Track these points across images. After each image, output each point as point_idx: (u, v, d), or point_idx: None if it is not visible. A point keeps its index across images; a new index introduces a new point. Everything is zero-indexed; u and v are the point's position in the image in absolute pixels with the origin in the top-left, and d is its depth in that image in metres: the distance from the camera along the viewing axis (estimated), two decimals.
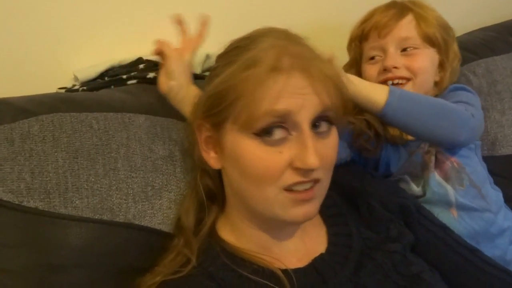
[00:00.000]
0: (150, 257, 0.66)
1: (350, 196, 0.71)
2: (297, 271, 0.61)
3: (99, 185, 0.67)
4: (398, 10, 0.87)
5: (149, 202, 0.70)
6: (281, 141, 0.57)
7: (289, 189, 0.58)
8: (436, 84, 0.89)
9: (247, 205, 0.63)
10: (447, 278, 0.68)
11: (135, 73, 0.85)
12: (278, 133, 0.57)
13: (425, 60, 0.86)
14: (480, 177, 0.84)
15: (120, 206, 0.68)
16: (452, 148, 0.82)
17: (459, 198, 0.81)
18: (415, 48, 0.86)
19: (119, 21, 0.91)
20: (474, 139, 0.83)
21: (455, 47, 0.90)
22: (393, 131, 0.86)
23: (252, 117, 0.56)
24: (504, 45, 1.04)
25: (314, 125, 0.58)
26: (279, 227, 0.64)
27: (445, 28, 0.89)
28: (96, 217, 0.66)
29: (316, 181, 0.59)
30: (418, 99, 0.76)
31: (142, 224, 0.69)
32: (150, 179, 0.71)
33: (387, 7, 0.89)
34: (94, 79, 0.87)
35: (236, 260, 0.62)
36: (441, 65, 0.89)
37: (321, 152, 0.57)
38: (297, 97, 0.56)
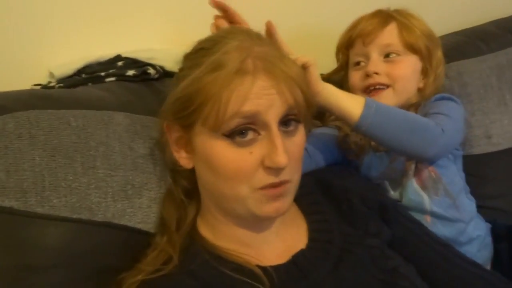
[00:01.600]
0: (129, 256, 0.66)
1: (331, 193, 0.72)
2: (277, 268, 0.62)
3: (77, 184, 0.66)
4: (382, 19, 0.90)
5: (129, 201, 0.70)
6: (251, 141, 0.58)
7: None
8: (419, 90, 0.91)
9: (220, 203, 0.63)
10: (421, 271, 0.70)
11: (114, 70, 0.84)
12: (247, 134, 0.58)
13: (406, 67, 0.89)
14: (456, 188, 0.87)
15: (99, 205, 0.67)
16: (422, 161, 0.84)
17: (433, 207, 0.84)
18: (397, 54, 0.88)
19: (97, 17, 0.89)
20: (443, 154, 0.84)
21: (439, 54, 0.93)
22: None
23: (221, 120, 0.57)
24: (474, 49, 1.08)
25: (284, 123, 0.60)
26: (254, 224, 0.64)
27: (429, 36, 0.91)
28: (74, 217, 0.65)
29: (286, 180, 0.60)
30: (392, 113, 0.77)
31: (122, 223, 0.68)
32: (130, 177, 0.71)
33: (372, 15, 0.92)
34: (71, 76, 0.85)
35: (216, 258, 0.62)
36: (424, 72, 0.91)
37: (289, 150, 0.59)
38: (263, 98, 0.57)
